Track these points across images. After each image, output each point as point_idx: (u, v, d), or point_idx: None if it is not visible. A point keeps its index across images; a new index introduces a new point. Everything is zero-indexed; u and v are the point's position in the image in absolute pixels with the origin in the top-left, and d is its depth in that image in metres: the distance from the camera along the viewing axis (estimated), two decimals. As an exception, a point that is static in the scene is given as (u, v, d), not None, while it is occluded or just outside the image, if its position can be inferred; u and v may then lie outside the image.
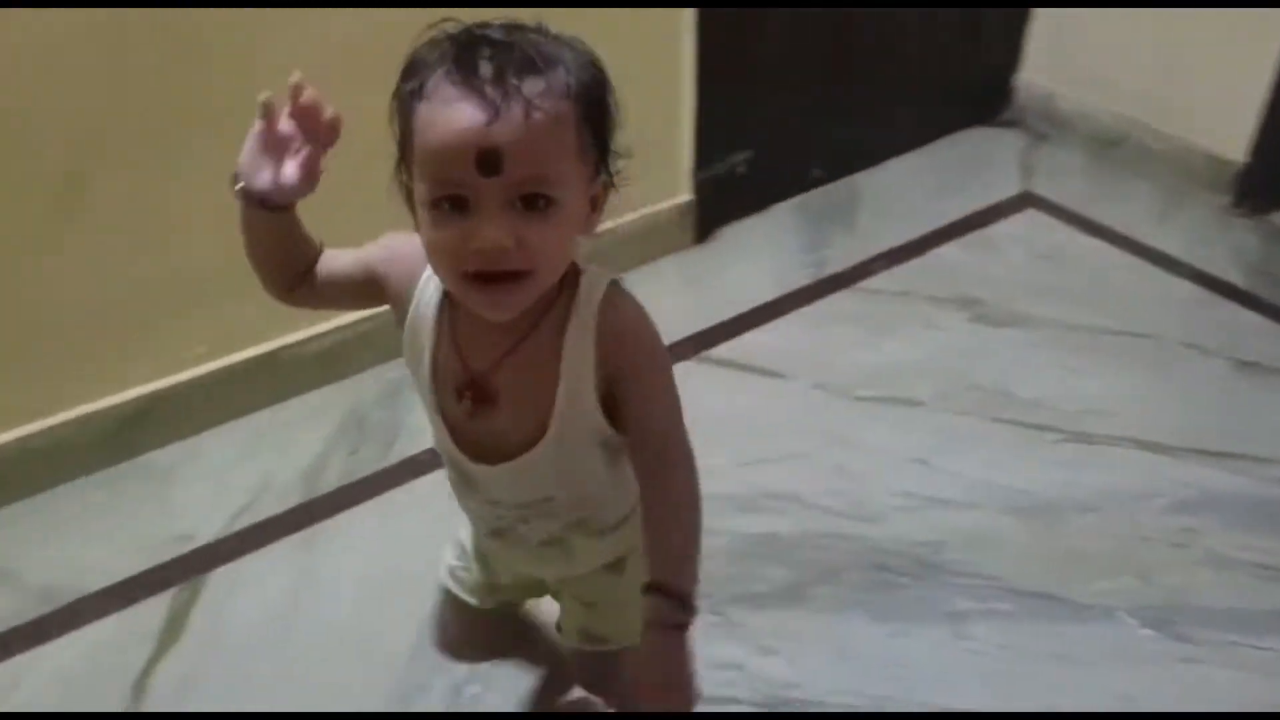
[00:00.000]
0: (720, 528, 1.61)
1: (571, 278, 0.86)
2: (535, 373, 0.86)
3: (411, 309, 0.90)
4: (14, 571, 1.60)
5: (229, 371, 1.82)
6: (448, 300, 0.88)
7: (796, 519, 1.66)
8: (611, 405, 0.88)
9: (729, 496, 1.67)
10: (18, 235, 1.56)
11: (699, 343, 2.00)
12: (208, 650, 1.48)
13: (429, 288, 0.89)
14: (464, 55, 0.76)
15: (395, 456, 1.78)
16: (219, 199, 0.91)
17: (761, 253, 2.26)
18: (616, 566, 1.01)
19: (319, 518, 1.68)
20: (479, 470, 0.92)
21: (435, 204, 0.78)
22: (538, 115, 0.75)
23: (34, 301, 1.61)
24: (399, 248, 0.90)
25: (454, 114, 0.75)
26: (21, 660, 1.47)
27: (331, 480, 1.75)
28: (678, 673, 0.84)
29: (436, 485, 1.04)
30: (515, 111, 0.75)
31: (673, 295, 2.12)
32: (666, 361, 0.89)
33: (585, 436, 0.89)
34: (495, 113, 0.75)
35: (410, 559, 1.33)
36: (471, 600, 1.11)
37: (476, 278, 0.79)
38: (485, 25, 0.79)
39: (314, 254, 0.92)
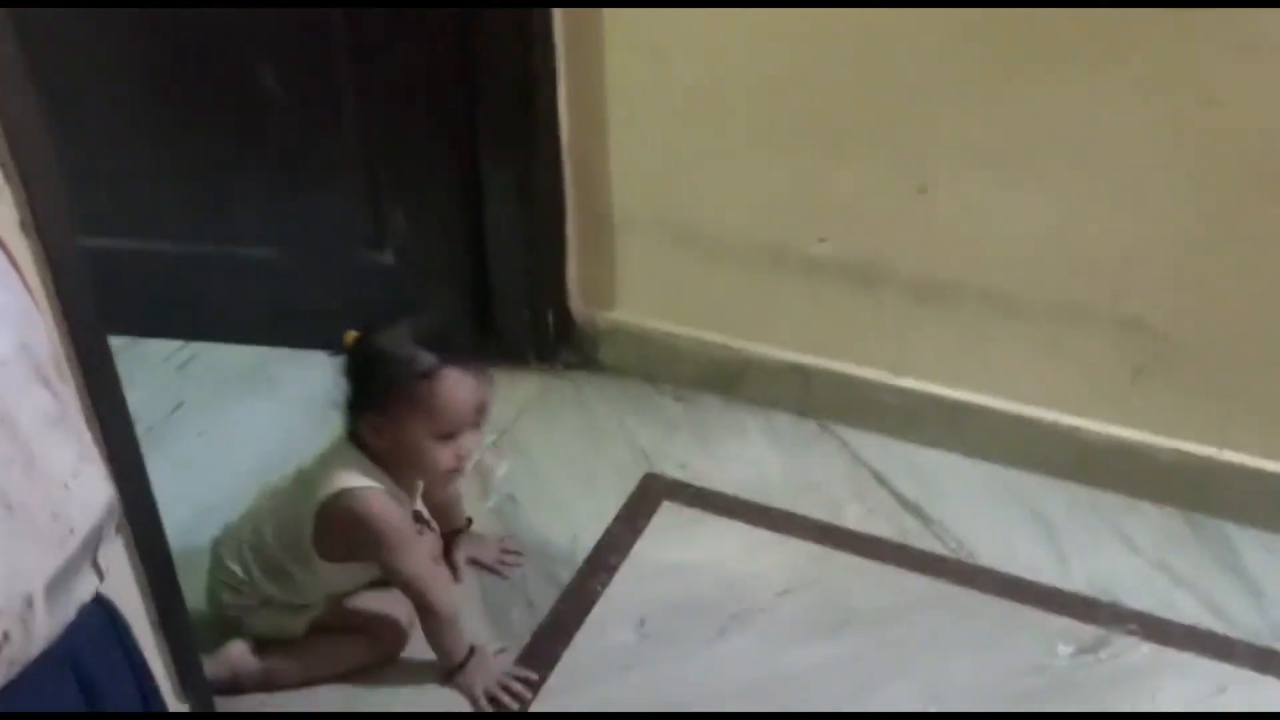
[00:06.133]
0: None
1: None
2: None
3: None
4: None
5: None
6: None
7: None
8: None
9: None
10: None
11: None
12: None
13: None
14: (449, 354, 1.29)
15: None
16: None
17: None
18: None
19: None
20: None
21: (441, 437, 1.30)
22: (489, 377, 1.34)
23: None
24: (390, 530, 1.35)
25: (465, 386, 1.30)
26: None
27: None
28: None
29: None
30: (487, 379, 1.33)
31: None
32: None
33: None
34: (482, 382, 1.32)
35: None
36: None
37: (455, 470, 1.35)
38: (438, 331, 1.34)
39: None
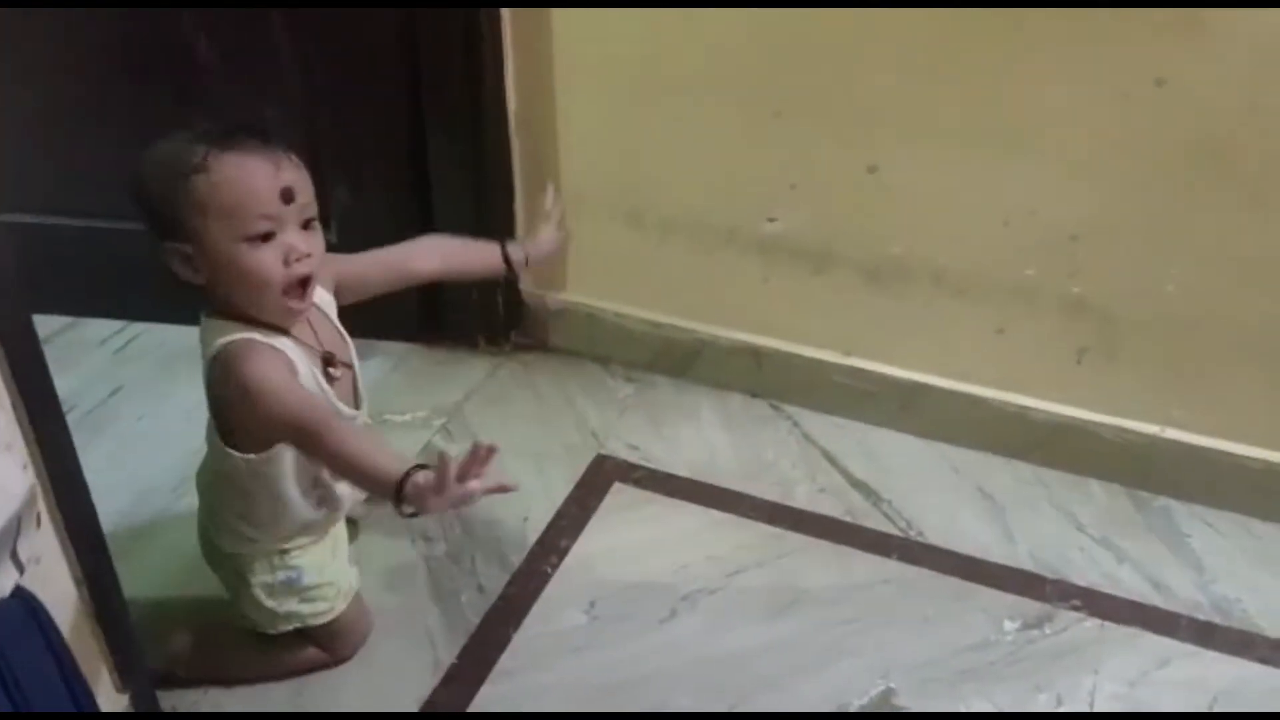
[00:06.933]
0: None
1: None
2: (332, 332, 1.26)
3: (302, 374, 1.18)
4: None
5: None
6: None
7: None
8: None
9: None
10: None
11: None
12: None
13: (296, 359, 1.17)
14: (228, 138, 1.11)
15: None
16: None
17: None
18: None
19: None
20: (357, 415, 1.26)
21: (250, 240, 1.10)
22: (297, 164, 1.14)
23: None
24: (262, 371, 1.13)
25: (250, 169, 1.09)
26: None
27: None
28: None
29: None
30: (287, 162, 1.12)
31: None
32: None
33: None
34: (278, 163, 1.11)
35: None
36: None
37: (298, 284, 1.14)
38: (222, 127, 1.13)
39: None
